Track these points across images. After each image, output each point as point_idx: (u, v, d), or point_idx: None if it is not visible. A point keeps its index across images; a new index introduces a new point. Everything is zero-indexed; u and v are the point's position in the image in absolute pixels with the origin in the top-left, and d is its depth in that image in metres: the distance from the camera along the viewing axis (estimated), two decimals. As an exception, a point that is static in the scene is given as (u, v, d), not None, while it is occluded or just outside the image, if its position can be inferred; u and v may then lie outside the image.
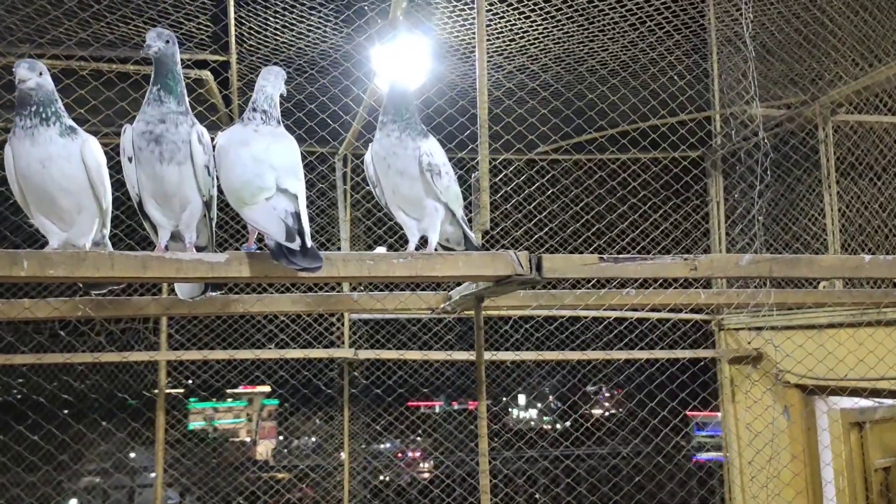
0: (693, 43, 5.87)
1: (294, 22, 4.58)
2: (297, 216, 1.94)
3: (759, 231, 4.58)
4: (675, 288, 3.72)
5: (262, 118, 2.09)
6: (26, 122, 1.92)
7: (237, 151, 2.02)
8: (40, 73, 1.94)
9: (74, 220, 2.01)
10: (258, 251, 2.01)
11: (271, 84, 2.11)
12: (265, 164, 1.98)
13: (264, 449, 7.61)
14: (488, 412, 7.93)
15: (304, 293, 3.18)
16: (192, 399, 7.18)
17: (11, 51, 4.20)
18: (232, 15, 4.36)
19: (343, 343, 6.37)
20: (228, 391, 7.21)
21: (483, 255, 2.08)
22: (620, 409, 9.72)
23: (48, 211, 1.98)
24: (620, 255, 2.16)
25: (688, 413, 7.33)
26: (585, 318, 6.02)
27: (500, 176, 5.82)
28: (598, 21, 4.80)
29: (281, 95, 2.15)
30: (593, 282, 4.42)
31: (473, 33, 4.74)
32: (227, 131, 2.10)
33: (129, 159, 1.98)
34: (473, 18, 4.59)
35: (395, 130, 2.18)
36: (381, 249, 2.23)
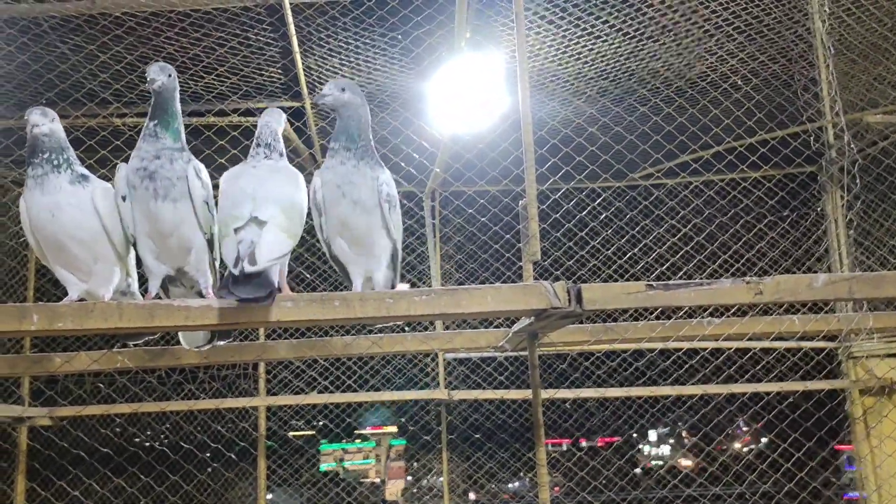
0: (799, 49, 5.43)
1: (362, 62, 4.57)
2: (255, 244, 1.82)
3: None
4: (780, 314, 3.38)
5: (264, 153, 2.05)
6: (37, 170, 1.91)
7: (230, 185, 1.98)
8: (52, 120, 1.94)
9: (92, 270, 1.98)
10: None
11: (275, 120, 2.05)
12: (247, 195, 1.91)
13: (394, 489, 7.60)
14: (615, 449, 7.47)
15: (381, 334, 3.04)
16: (323, 441, 7.30)
17: (95, 112, 4.37)
18: (300, 64, 4.39)
19: (438, 384, 6.24)
20: (357, 432, 7.30)
21: (514, 287, 1.89)
22: (756, 445, 9.04)
23: (64, 261, 1.96)
24: (671, 282, 1.91)
25: (837, 447, 6.68)
26: (679, 349, 5.64)
27: (599, 201, 5.58)
28: (694, 33, 4.52)
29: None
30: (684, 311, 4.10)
31: (545, 58, 4.57)
32: (231, 169, 2.04)
33: (123, 198, 1.93)
34: (543, 43, 4.43)
35: (352, 158, 2.02)
36: (402, 286, 2.07)
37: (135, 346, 2.47)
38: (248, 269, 1.78)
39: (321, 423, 7.13)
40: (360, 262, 2.05)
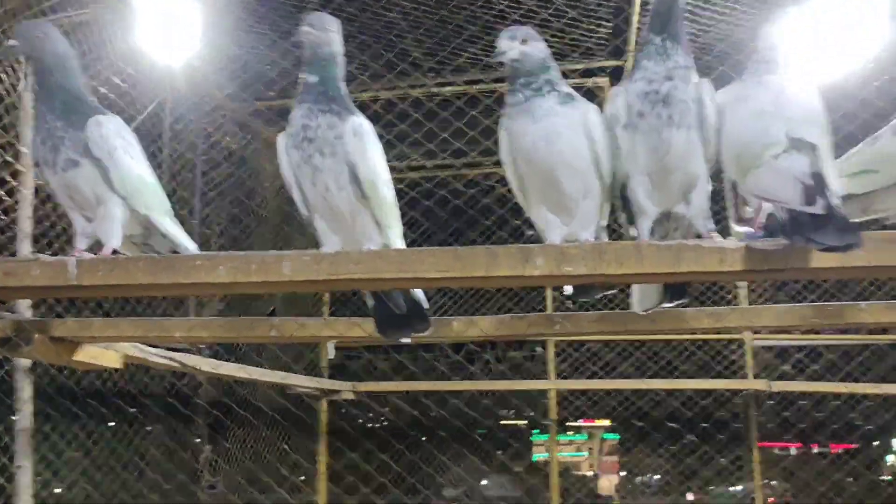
0: None
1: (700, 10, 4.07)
2: (818, 172, 1.45)
3: None
4: None
5: (764, 68, 1.68)
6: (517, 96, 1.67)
7: (740, 106, 1.63)
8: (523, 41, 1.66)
9: (577, 209, 1.68)
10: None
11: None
12: (774, 114, 1.55)
13: (608, 484, 7.25)
14: (853, 457, 6.36)
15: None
16: (535, 431, 7.11)
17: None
18: (635, 21, 3.99)
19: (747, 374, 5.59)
20: (568, 424, 6.99)
21: None
22: None
23: (552, 199, 1.69)
24: None
25: None
26: None
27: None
28: None
29: None
30: None
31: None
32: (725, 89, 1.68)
33: (625, 126, 1.63)
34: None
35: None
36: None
37: (578, 302, 2.16)
38: (828, 202, 1.40)
39: (532, 413, 6.78)
40: None
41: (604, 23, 4.13)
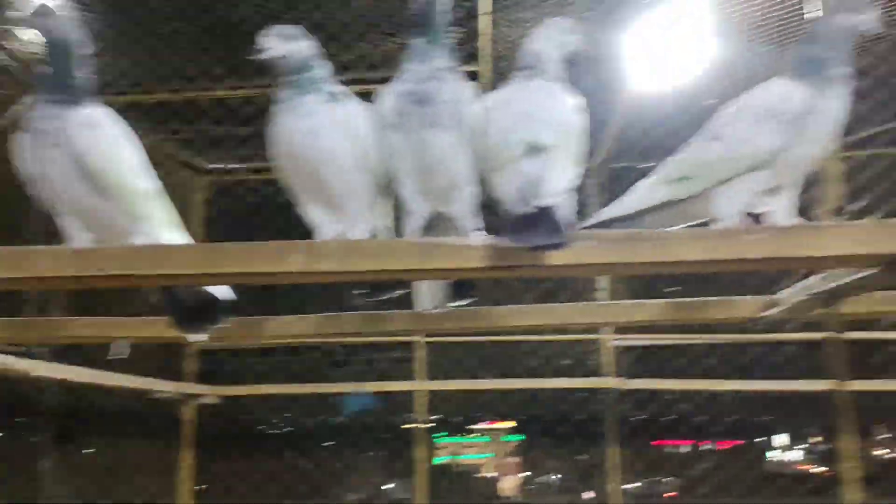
0: None
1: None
2: (539, 174, 1.52)
3: None
4: None
5: (526, 75, 1.73)
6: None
7: (498, 110, 1.68)
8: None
9: (347, 207, 1.70)
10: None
11: (534, 39, 1.74)
12: (521, 119, 1.62)
13: (508, 485, 7.40)
14: (738, 453, 6.73)
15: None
16: (436, 434, 7.15)
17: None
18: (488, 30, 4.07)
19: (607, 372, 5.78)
20: (472, 427, 7.10)
21: (878, 225, 1.48)
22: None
23: (318, 196, 1.70)
24: None
25: None
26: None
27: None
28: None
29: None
30: None
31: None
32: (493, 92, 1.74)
33: (389, 126, 1.65)
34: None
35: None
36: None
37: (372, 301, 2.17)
38: (539, 203, 1.46)
39: (435, 415, 6.89)
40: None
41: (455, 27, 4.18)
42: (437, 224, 1.75)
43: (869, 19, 1.65)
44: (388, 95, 1.66)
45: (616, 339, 5.83)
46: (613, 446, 5.68)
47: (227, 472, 5.78)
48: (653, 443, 7.01)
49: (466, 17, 4.13)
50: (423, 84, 1.62)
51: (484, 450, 7.68)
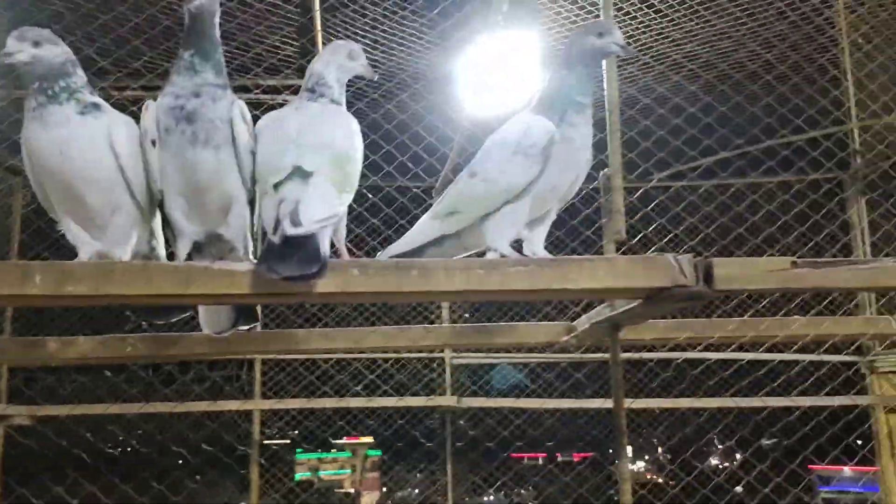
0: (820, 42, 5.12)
1: (383, 38, 4.21)
2: (298, 201, 1.47)
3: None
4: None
5: (307, 96, 1.69)
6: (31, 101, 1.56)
7: (269, 132, 1.64)
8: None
9: (107, 224, 1.59)
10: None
11: (320, 61, 1.71)
12: (289, 142, 1.57)
13: (369, 500, 7.36)
14: (589, 464, 7.11)
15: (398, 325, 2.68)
16: (298, 450, 7.03)
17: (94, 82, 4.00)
18: (320, 41, 4.02)
19: (444, 391, 5.87)
20: (334, 441, 7.03)
21: (632, 260, 1.55)
22: (734, 462, 8.82)
23: (75, 212, 1.58)
24: (820, 260, 1.58)
25: (810, 466, 6.44)
26: (709, 360, 5.29)
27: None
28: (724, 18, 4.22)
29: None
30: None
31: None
32: (270, 113, 1.70)
33: (153, 142, 1.56)
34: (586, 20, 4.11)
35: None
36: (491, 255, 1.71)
37: (155, 326, 2.06)
38: (291, 231, 1.41)
39: (296, 431, 6.81)
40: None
41: (290, 42, 4.13)
42: (211, 246, 1.68)
43: (614, 41, 1.70)
44: (153, 108, 1.58)
45: (455, 357, 5.95)
46: (453, 461, 5.80)
47: (39, 499, 5.34)
48: (511, 455, 7.19)
49: (303, 31, 4.07)
50: (189, 100, 1.54)
51: (345, 465, 7.63)
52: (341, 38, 4.20)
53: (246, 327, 1.93)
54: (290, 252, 1.38)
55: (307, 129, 1.56)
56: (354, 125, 1.65)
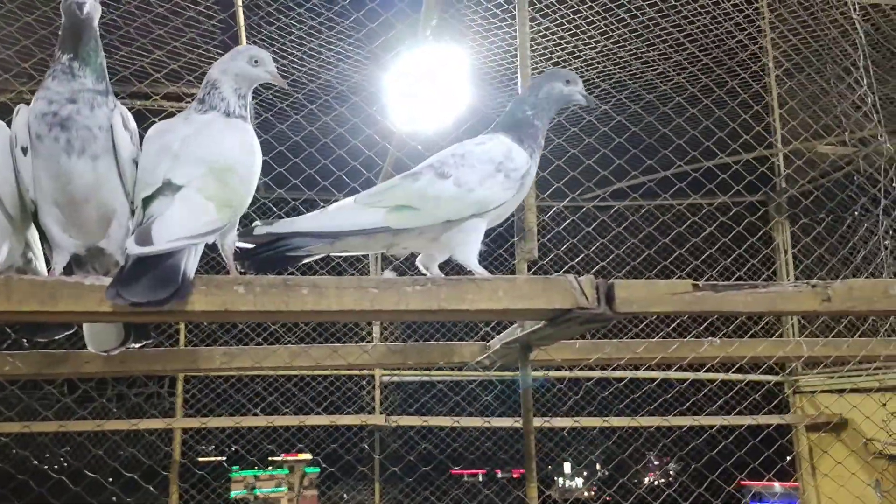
0: (750, 70, 5.26)
1: (311, 52, 4.14)
2: (154, 217, 1.38)
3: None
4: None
5: (196, 107, 1.61)
6: None
7: (151, 143, 1.56)
8: None
9: None
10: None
11: (216, 69, 1.63)
12: (167, 154, 1.49)
13: None
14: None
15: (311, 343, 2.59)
16: (234, 467, 6.84)
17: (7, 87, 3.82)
18: (243, 38, 3.93)
19: (374, 409, 5.79)
20: (271, 459, 6.86)
21: (533, 280, 1.50)
22: (669, 479, 8.96)
23: None
24: (721, 283, 1.56)
25: (742, 482, 6.56)
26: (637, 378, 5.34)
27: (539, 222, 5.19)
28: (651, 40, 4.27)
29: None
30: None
31: (511, 57, 4.25)
32: (158, 123, 1.61)
33: (24, 150, 1.45)
34: (512, 39, 4.11)
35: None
36: (389, 274, 1.64)
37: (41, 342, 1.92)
38: (136, 251, 1.29)
39: (233, 447, 6.64)
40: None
41: (212, 49, 4.01)
42: (94, 260, 1.57)
43: (579, 91, 1.79)
44: (25, 113, 1.47)
45: (386, 375, 5.88)
46: (382, 480, 5.73)
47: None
48: (451, 472, 7.14)
49: (234, 38, 3.97)
50: (63, 106, 1.44)
51: (282, 483, 7.47)
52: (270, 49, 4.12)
53: (137, 345, 1.82)
54: (139, 274, 1.27)
55: (189, 141, 1.47)
56: (248, 136, 1.56)
